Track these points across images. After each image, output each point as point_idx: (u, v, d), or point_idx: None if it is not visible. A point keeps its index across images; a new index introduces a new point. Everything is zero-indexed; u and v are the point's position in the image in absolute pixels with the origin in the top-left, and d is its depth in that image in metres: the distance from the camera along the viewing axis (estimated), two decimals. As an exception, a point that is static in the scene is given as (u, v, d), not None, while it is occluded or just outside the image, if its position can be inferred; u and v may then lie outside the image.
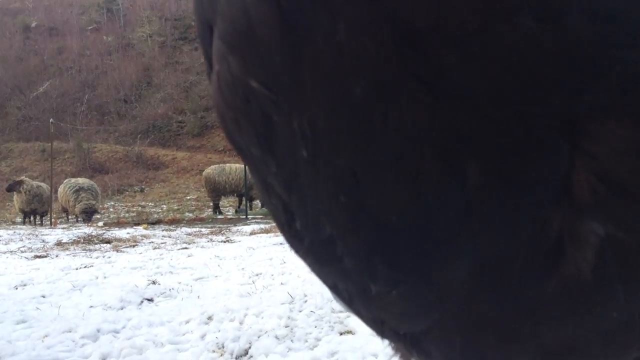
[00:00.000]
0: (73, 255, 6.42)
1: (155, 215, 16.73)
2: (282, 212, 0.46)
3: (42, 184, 16.56)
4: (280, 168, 0.42)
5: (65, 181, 16.67)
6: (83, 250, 7.03)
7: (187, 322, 2.99)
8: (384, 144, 0.37)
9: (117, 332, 2.85)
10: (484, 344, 0.46)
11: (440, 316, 0.46)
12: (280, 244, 6.45)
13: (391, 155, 0.37)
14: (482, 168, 0.37)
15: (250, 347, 2.49)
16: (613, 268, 0.40)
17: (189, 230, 10.20)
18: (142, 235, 8.86)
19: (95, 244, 7.79)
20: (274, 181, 0.45)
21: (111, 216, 17.69)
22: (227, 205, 18.70)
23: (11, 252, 6.84)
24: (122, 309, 3.43)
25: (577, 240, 0.39)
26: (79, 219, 15.53)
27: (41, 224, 15.31)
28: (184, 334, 2.79)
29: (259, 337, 2.60)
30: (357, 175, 0.38)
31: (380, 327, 0.50)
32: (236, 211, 17.12)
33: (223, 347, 2.53)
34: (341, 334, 2.59)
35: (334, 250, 0.44)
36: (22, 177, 16.84)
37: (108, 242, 7.96)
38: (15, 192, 15.69)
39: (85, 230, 10.30)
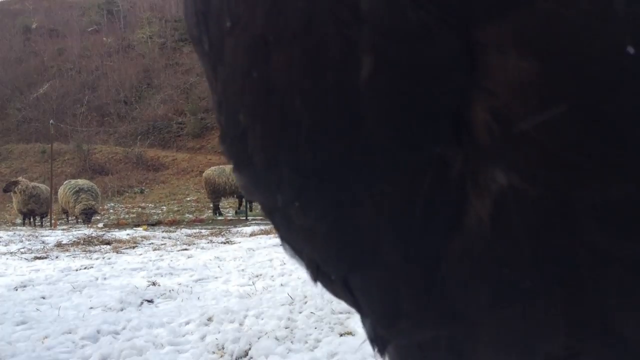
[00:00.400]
0: (73, 257, 6.42)
1: (155, 217, 16.73)
2: (217, 109, 0.48)
3: (39, 184, 16.54)
4: (211, 46, 0.45)
5: (65, 182, 16.66)
6: (83, 251, 7.03)
7: (187, 323, 2.99)
8: (292, 10, 0.39)
9: (117, 333, 2.85)
10: (398, 295, 0.44)
11: (351, 253, 0.45)
12: (280, 245, 6.44)
13: (298, 23, 0.38)
14: (376, 60, 0.36)
15: (250, 349, 2.50)
16: (516, 223, 0.37)
17: (188, 231, 10.19)
18: (142, 237, 8.86)
19: (95, 245, 7.79)
20: (208, 69, 0.47)
21: (111, 217, 17.69)
22: (227, 206, 18.69)
23: (11, 253, 6.84)
24: (122, 310, 3.44)
25: (478, 186, 0.37)
26: (79, 220, 15.53)
27: (41, 225, 15.30)
28: (183, 335, 2.79)
29: (259, 338, 2.60)
30: (269, 45, 0.40)
31: (315, 272, 0.50)
32: (236, 212, 17.12)
33: (223, 348, 2.53)
34: (341, 335, 2.59)
35: (245, 146, 0.45)
36: (18, 178, 16.83)
37: (108, 243, 7.96)
38: (12, 193, 15.69)
39: (85, 231, 10.30)
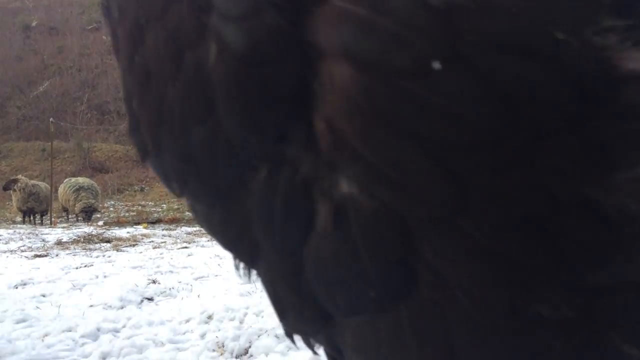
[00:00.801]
0: (73, 255, 6.42)
1: (156, 215, 16.72)
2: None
3: (39, 182, 16.52)
4: (112, 37, 0.48)
5: (65, 180, 16.64)
6: (83, 249, 7.03)
7: (187, 321, 2.99)
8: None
9: (117, 331, 2.85)
10: (278, 287, 0.45)
11: (242, 244, 0.46)
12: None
13: (159, 4, 0.41)
14: (219, 45, 0.37)
15: (250, 346, 2.49)
16: (355, 233, 0.37)
17: (189, 229, 10.19)
18: (142, 235, 8.86)
19: (96, 243, 7.79)
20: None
21: (111, 215, 17.68)
22: (227, 204, 18.67)
23: (11, 251, 6.83)
24: (122, 308, 3.43)
25: (324, 192, 0.37)
26: (79, 218, 15.52)
27: (41, 223, 15.29)
28: (184, 333, 2.79)
29: (259, 336, 2.60)
30: (142, 28, 0.42)
31: (237, 262, 0.51)
32: (236, 210, 17.10)
33: (223, 346, 2.53)
34: (341, 333, 2.59)
35: (141, 135, 0.47)
36: (18, 176, 16.81)
37: (108, 241, 7.95)
38: (12, 191, 15.68)
39: (85, 229, 10.30)
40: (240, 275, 0.51)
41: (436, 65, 0.31)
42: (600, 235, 0.33)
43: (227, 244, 0.48)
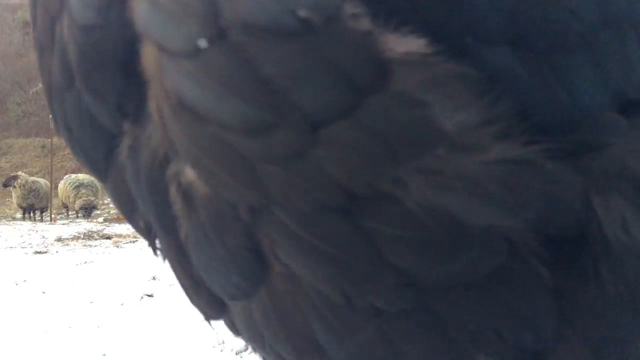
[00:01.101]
0: (73, 251, 6.42)
1: (156, 211, 16.72)
2: None
3: (39, 179, 16.52)
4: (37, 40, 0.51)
5: (65, 177, 16.64)
6: (83, 246, 7.03)
7: (187, 317, 2.98)
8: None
9: (117, 327, 2.85)
10: (176, 269, 0.46)
11: (133, 217, 0.47)
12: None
13: (31, 10, 0.45)
14: (71, 31, 0.39)
15: (251, 343, 2.49)
16: (202, 216, 0.36)
17: (189, 226, 10.19)
18: (142, 231, 8.86)
19: (96, 239, 7.79)
20: None
21: (111, 212, 17.68)
22: (228, 201, 18.68)
23: (11, 247, 6.83)
24: (122, 304, 3.43)
25: (172, 174, 0.37)
26: (79, 215, 15.53)
27: (41, 220, 15.30)
28: (184, 330, 2.79)
29: (259, 332, 2.60)
30: (35, 9, 0.45)
31: (149, 242, 0.52)
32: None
33: (223, 342, 2.53)
34: (342, 329, 2.59)
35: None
36: (18, 173, 16.82)
37: (108, 237, 7.95)
38: (12, 188, 15.69)
39: (85, 226, 10.30)
40: (156, 255, 0.51)
41: (203, 44, 0.31)
42: (411, 231, 0.32)
43: (128, 221, 0.49)
